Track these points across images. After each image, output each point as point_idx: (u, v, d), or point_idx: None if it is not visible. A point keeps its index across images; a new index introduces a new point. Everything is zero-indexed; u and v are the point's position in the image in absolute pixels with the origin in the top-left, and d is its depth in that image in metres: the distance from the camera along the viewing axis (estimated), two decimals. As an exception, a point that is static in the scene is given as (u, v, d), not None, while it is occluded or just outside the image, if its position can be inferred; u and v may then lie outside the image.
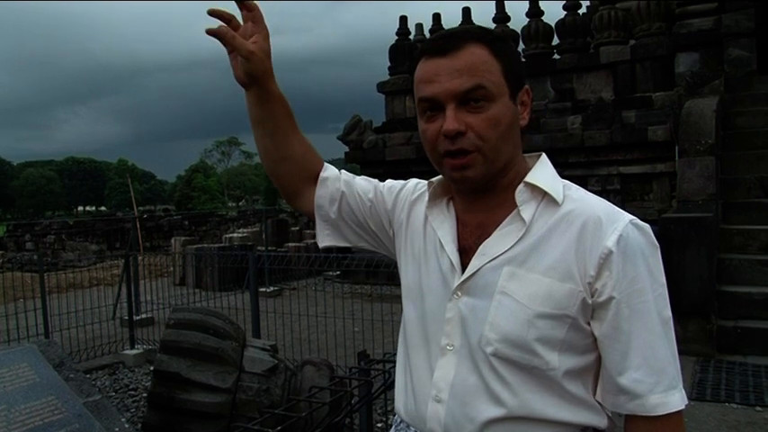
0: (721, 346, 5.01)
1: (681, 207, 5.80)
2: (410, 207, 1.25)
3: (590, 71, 9.06)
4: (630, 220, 1.03)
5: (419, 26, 11.44)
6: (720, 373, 4.56)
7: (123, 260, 7.62)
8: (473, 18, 10.60)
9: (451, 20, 10.67)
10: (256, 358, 3.41)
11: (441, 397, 1.08)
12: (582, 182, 8.39)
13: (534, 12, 9.84)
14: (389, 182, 1.33)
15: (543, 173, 1.10)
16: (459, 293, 1.09)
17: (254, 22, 1.19)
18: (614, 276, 1.00)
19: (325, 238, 1.33)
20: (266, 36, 1.19)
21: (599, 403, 1.06)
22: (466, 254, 1.11)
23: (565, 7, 9.49)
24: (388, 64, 11.18)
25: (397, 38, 11.18)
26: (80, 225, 20.96)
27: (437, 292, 1.13)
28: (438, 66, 1.05)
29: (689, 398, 3.97)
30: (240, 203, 72.21)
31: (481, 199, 1.12)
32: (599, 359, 1.05)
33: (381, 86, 11.17)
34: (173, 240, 14.89)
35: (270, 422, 1.99)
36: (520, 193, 1.07)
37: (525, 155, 1.15)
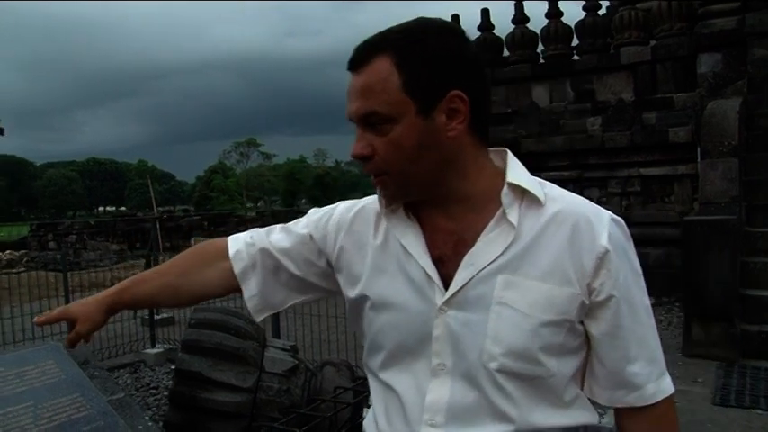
0: (745, 350, 4.92)
1: (703, 209, 5.72)
2: (347, 229, 1.14)
3: (610, 72, 8.96)
4: (611, 217, 1.03)
5: (437, 27, 11.40)
6: (745, 378, 4.49)
7: (144, 260, 7.71)
8: (492, 20, 10.56)
9: (470, 21, 10.65)
10: (277, 358, 3.44)
11: (436, 421, 1.00)
12: (602, 184, 8.33)
13: (554, 13, 9.76)
14: (313, 214, 1.22)
15: (520, 172, 1.03)
16: (446, 308, 1.00)
17: (70, 318, 1.26)
18: (612, 274, 0.99)
19: (257, 314, 1.26)
20: (83, 313, 1.25)
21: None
22: (442, 264, 1.02)
23: (584, 8, 9.41)
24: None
25: (415, 39, 11.16)
26: (101, 225, 21.25)
27: (411, 307, 1.03)
28: (351, 83, 1.00)
29: (712, 403, 3.95)
30: (259, 204, 72.61)
31: (444, 206, 1.04)
32: (586, 357, 1.05)
33: (399, 88, 11.16)
34: (192, 240, 15.05)
35: (293, 422, 2.01)
36: (505, 195, 1.00)
37: (490, 149, 1.06)
